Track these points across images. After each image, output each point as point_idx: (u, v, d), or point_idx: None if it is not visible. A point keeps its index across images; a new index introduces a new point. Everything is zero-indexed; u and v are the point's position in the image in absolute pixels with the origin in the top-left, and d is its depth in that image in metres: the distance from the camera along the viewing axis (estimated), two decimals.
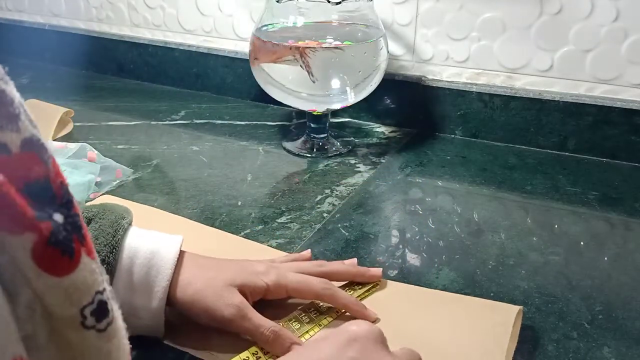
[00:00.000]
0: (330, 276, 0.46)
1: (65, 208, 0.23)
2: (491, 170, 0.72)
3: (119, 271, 0.41)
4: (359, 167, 0.73)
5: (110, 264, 0.40)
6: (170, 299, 0.42)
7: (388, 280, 0.50)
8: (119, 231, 0.41)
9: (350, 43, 0.71)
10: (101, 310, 0.25)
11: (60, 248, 0.22)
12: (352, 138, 0.82)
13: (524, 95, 0.77)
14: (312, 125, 0.78)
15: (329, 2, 0.68)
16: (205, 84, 1.01)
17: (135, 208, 0.61)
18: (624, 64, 0.72)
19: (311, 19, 0.71)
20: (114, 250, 0.41)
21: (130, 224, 0.43)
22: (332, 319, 0.45)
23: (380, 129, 0.86)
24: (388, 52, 0.74)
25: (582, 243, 0.57)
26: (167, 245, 0.43)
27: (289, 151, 0.77)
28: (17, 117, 0.22)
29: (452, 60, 0.81)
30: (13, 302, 0.22)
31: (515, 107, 0.78)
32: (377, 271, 0.49)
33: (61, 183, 0.24)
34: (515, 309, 0.44)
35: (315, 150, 0.77)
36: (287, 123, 0.88)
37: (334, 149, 0.77)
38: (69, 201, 0.24)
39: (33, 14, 1.17)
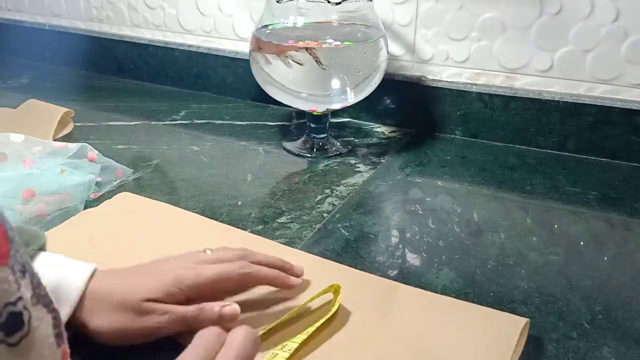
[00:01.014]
0: (248, 257, 0.46)
1: None
2: (491, 170, 0.72)
3: None
4: (359, 167, 0.73)
5: None
6: (86, 332, 0.40)
7: (393, 282, 0.49)
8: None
9: (350, 43, 0.71)
10: (12, 324, 0.23)
11: None
12: (352, 138, 0.82)
13: (524, 95, 0.77)
14: (312, 125, 0.78)
15: (329, 2, 0.68)
16: (205, 84, 1.01)
17: (152, 205, 0.62)
18: (624, 64, 0.72)
19: (311, 19, 0.71)
20: None
21: (38, 250, 0.40)
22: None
23: (380, 129, 0.86)
24: (388, 52, 0.74)
25: (582, 243, 0.57)
26: (73, 276, 0.40)
27: (289, 151, 0.77)
28: None
29: (452, 60, 0.81)
30: None
31: (515, 107, 0.78)
32: (296, 278, 0.47)
33: None
34: (522, 321, 0.43)
35: (315, 150, 0.77)
36: (287, 123, 0.88)
37: (334, 149, 0.77)
38: None
39: (33, 14, 1.17)
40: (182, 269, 0.43)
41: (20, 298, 0.23)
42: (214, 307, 0.41)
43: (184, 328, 0.41)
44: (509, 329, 0.43)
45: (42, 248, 0.41)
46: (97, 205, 0.61)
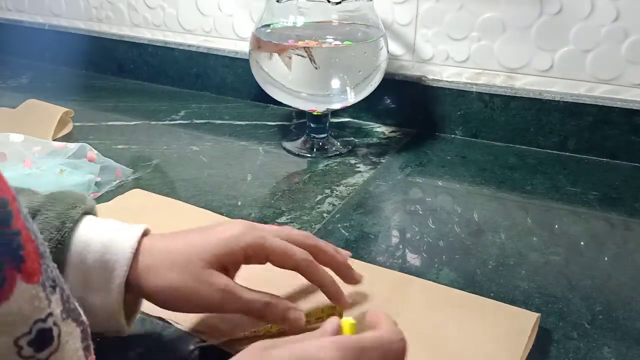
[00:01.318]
0: (315, 252, 0.42)
1: None
2: (491, 170, 0.72)
3: (68, 267, 0.36)
4: (359, 167, 0.73)
5: (58, 260, 0.36)
6: (140, 292, 0.38)
7: (406, 275, 0.50)
8: (66, 223, 0.37)
9: (350, 43, 0.71)
10: (42, 340, 0.23)
11: None
12: (352, 138, 0.82)
13: (524, 95, 0.77)
14: (312, 125, 0.78)
15: (329, 2, 0.68)
16: (205, 84, 1.01)
17: (164, 201, 0.63)
18: (624, 64, 0.72)
19: (311, 18, 0.71)
20: (59, 245, 0.36)
21: (83, 214, 0.38)
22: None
23: (380, 129, 0.86)
24: (388, 52, 0.74)
25: (582, 243, 0.57)
26: (124, 236, 0.38)
27: (289, 151, 0.77)
28: None
29: (452, 60, 0.81)
30: None
31: (515, 107, 0.78)
32: (358, 275, 0.45)
33: None
34: (533, 316, 0.44)
35: (315, 150, 0.77)
36: (287, 123, 0.88)
37: (334, 149, 0.77)
38: (4, 219, 0.22)
39: (33, 14, 1.17)
40: (245, 227, 0.40)
41: (50, 314, 0.23)
42: (280, 305, 0.39)
43: (241, 312, 0.39)
44: (521, 323, 0.43)
45: (87, 212, 0.39)
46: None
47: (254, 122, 0.88)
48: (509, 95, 0.78)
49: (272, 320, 0.40)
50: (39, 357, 0.23)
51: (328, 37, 0.71)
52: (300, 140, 0.79)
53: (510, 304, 0.47)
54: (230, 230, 0.40)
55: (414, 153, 0.77)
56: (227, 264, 0.39)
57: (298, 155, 0.76)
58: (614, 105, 0.73)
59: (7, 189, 0.22)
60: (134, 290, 0.38)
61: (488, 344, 0.42)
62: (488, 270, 0.52)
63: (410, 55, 0.83)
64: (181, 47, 1.01)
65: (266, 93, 0.75)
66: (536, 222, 0.60)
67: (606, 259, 0.54)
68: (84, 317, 0.28)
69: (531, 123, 0.77)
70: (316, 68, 0.68)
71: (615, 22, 0.71)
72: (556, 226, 0.60)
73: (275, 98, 0.74)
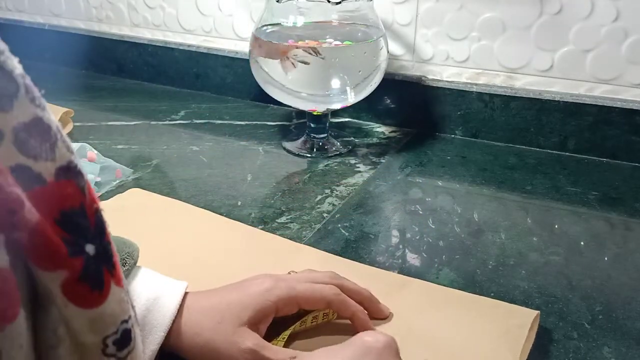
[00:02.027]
0: (341, 289, 0.43)
1: (98, 237, 0.23)
2: (491, 170, 0.72)
3: None
4: (359, 167, 0.73)
5: None
6: (171, 347, 0.39)
7: (404, 276, 0.50)
8: None
9: (350, 43, 0.71)
10: (124, 340, 0.25)
11: (90, 283, 0.22)
12: (352, 138, 0.82)
13: (524, 95, 0.77)
14: (312, 125, 0.78)
15: (329, 2, 0.68)
16: (205, 84, 1.01)
17: (163, 200, 0.63)
18: (624, 64, 0.72)
19: (311, 18, 0.71)
20: None
21: (132, 266, 0.40)
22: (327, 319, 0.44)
23: (380, 129, 0.86)
24: (388, 52, 0.74)
25: (582, 243, 0.57)
26: (167, 298, 0.39)
27: (289, 151, 0.77)
28: (53, 145, 0.22)
29: (452, 60, 0.81)
30: (42, 322, 0.22)
31: (515, 107, 0.78)
32: (385, 308, 0.45)
33: (96, 210, 0.23)
34: (532, 313, 0.44)
35: (315, 150, 0.77)
36: (287, 123, 0.88)
37: (334, 149, 0.77)
38: (102, 229, 0.24)
39: (33, 14, 1.17)
40: (274, 281, 0.42)
41: (130, 316, 0.25)
42: None
43: None
44: (520, 320, 0.43)
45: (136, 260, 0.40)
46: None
47: (254, 122, 0.88)
48: (509, 95, 0.78)
49: None
50: (119, 355, 0.25)
51: (328, 37, 0.71)
52: (300, 140, 0.79)
53: (510, 303, 0.47)
54: (260, 286, 0.41)
55: (414, 153, 0.77)
56: (259, 319, 0.40)
57: (298, 155, 0.76)
58: (614, 105, 0.73)
59: (99, 202, 0.24)
60: (167, 344, 0.39)
61: (488, 340, 0.42)
62: (488, 270, 0.52)
63: (410, 55, 0.83)
64: (181, 47, 1.01)
65: (266, 93, 0.75)
66: (536, 222, 0.60)
67: (606, 259, 0.54)
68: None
69: (531, 123, 0.78)
70: (322, 58, 0.67)
71: (615, 22, 0.71)
72: (556, 226, 0.60)
73: (275, 98, 0.74)
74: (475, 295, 0.47)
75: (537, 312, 0.44)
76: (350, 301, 0.43)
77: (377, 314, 0.45)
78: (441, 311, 0.45)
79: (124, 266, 0.38)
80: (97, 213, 0.24)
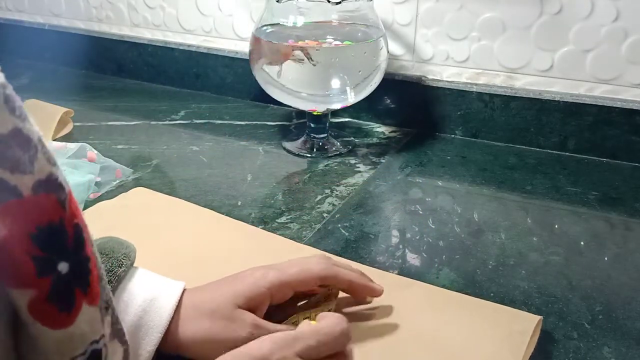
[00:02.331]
0: (335, 271, 0.44)
1: (74, 253, 0.23)
2: (491, 170, 0.72)
3: None
4: (359, 167, 0.73)
5: None
6: (171, 346, 0.39)
7: (405, 278, 0.50)
8: (112, 282, 0.38)
9: (350, 43, 0.71)
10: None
11: (58, 304, 0.22)
12: (352, 138, 0.82)
13: (524, 95, 0.77)
14: (312, 125, 0.78)
15: (329, 2, 0.68)
16: (205, 84, 1.01)
17: (167, 199, 0.63)
18: (624, 64, 0.72)
19: (311, 18, 0.71)
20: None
21: (129, 267, 0.40)
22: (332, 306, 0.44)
23: (380, 129, 0.86)
24: (388, 52, 0.74)
25: (582, 243, 0.57)
26: (163, 300, 0.39)
27: (289, 151, 0.77)
28: (32, 157, 0.21)
29: (452, 60, 0.81)
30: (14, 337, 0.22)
31: (515, 107, 0.78)
32: (378, 286, 0.45)
33: (76, 225, 0.23)
34: (535, 318, 0.44)
35: (315, 150, 0.77)
36: (287, 123, 0.88)
37: (334, 149, 0.77)
38: (81, 244, 0.23)
39: (33, 14, 1.17)
40: (265, 270, 0.43)
41: (103, 335, 0.24)
42: None
43: None
44: (522, 325, 0.43)
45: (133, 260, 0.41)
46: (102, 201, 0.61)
47: (254, 122, 0.88)
48: (509, 95, 0.78)
49: None
50: None
51: (328, 37, 0.71)
52: (300, 140, 0.79)
53: (510, 304, 0.47)
54: (252, 275, 0.42)
55: (414, 153, 0.77)
56: (255, 305, 0.41)
57: (298, 155, 0.76)
58: (614, 105, 0.73)
59: (81, 215, 0.23)
60: (165, 345, 0.39)
61: (490, 345, 0.42)
62: (488, 270, 0.52)
63: (410, 55, 0.83)
64: (181, 47, 1.01)
65: (266, 93, 0.75)
66: (536, 222, 0.60)
67: (606, 259, 0.54)
68: (127, 337, 0.29)
69: (531, 123, 0.77)
70: (314, 65, 0.68)
71: (615, 22, 0.71)
72: (556, 226, 0.60)
73: (275, 98, 0.74)
74: (478, 299, 0.47)
75: (539, 317, 0.44)
76: (343, 271, 0.43)
77: (371, 293, 0.45)
78: (443, 314, 0.45)
79: (120, 267, 0.38)
80: (77, 228, 0.23)
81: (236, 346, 0.38)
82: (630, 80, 0.72)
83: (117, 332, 0.27)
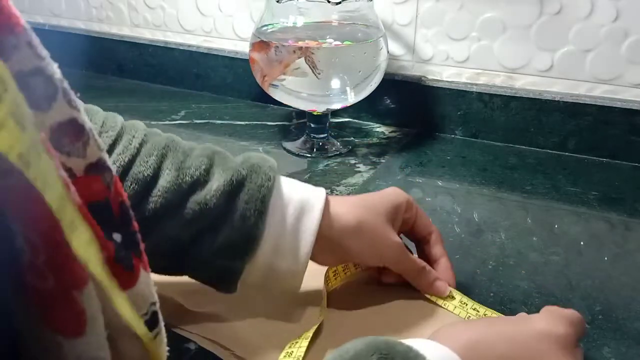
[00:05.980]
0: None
1: (123, 227, 0.25)
2: (491, 170, 0.72)
3: (267, 232, 0.41)
4: (359, 167, 0.73)
5: (258, 225, 0.40)
6: (329, 237, 0.42)
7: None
8: (266, 195, 0.41)
9: (350, 43, 0.71)
10: (153, 321, 0.26)
11: (123, 264, 0.24)
12: (352, 138, 0.82)
13: (524, 95, 0.77)
14: (312, 125, 0.78)
15: (329, 2, 0.68)
16: (205, 84, 1.01)
17: None
18: (624, 64, 0.72)
19: (311, 19, 0.71)
20: (261, 214, 0.41)
21: (274, 185, 0.42)
22: None
23: (380, 129, 0.86)
24: (388, 52, 0.74)
25: (582, 243, 0.57)
26: (312, 200, 0.42)
27: (289, 151, 0.77)
28: (85, 143, 0.24)
29: (452, 60, 0.81)
30: None
31: (515, 107, 0.78)
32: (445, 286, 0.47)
33: (121, 202, 0.25)
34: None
35: (315, 150, 0.77)
36: (287, 123, 0.88)
37: (334, 149, 0.77)
38: (128, 220, 0.25)
39: (33, 14, 1.17)
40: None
41: (156, 301, 0.27)
42: (432, 273, 0.46)
43: (401, 271, 0.46)
44: None
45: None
46: None
47: (254, 122, 0.88)
48: (509, 95, 0.78)
49: (422, 284, 0.45)
50: (149, 336, 0.26)
51: (328, 37, 0.71)
52: (300, 140, 0.79)
53: (510, 304, 0.47)
54: (390, 188, 0.47)
55: (414, 153, 0.77)
56: (393, 216, 0.45)
57: (298, 155, 0.76)
58: (614, 105, 0.73)
59: (125, 196, 0.26)
60: (322, 239, 0.42)
61: None
62: (488, 270, 0.52)
63: (410, 56, 0.83)
64: (181, 47, 1.01)
65: (266, 93, 0.75)
66: (536, 222, 0.60)
67: (606, 259, 0.54)
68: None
69: (531, 123, 0.78)
70: (318, 74, 0.68)
71: (615, 22, 0.71)
72: (556, 226, 0.60)
73: (275, 98, 0.74)
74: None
75: None
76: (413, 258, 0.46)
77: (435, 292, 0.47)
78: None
79: (269, 181, 0.41)
80: (123, 206, 0.25)
81: (380, 256, 0.44)
82: (630, 80, 0.72)
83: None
